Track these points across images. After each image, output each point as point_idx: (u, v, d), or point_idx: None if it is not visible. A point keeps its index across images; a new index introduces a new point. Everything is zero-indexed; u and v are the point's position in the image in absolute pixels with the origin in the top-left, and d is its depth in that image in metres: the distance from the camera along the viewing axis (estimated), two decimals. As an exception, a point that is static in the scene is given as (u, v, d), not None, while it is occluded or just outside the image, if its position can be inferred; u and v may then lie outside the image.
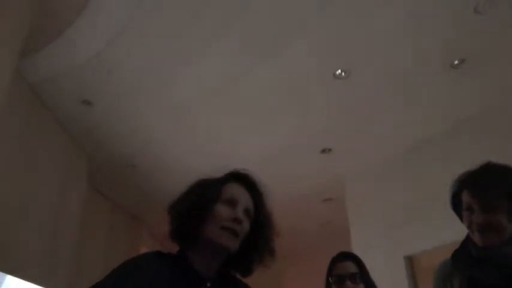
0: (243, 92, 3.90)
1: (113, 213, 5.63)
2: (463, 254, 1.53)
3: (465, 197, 1.51)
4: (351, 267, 2.14)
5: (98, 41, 3.31)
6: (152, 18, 3.16)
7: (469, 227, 1.49)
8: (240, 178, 1.32)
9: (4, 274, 3.01)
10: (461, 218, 1.56)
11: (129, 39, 3.30)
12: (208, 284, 1.18)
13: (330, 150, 4.77)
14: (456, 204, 1.58)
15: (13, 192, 3.32)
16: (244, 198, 1.27)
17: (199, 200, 1.23)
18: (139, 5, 3.01)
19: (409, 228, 4.32)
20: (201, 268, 1.19)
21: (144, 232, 6.31)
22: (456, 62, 3.57)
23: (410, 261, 4.37)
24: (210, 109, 4.10)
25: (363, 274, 2.14)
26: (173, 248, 1.27)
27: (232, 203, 1.23)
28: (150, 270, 1.14)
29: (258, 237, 1.26)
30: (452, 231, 3.76)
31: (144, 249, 5.68)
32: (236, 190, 1.28)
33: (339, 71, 3.64)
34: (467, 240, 1.54)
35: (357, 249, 4.27)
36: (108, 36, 3.26)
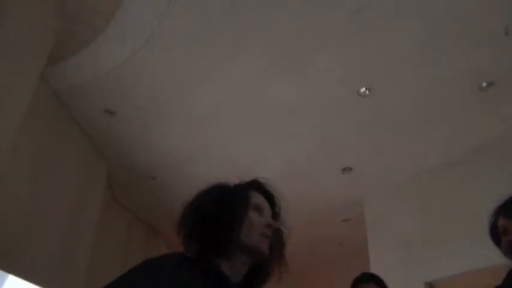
0: (264, 106, 3.87)
1: (130, 224, 5.61)
2: None
3: (501, 222, 1.52)
4: None
5: (124, 50, 3.34)
6: (176, 30, 3.18)
7: (508, 247, 1.48)
8: (260, 188, 1.33)
9: (6, 274, 3.00)
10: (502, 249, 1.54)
11: (153, 49, 3.32)
12: None
13: (350, 169, 4.70)
14: (495, 234, 1.57)
15: (31, 198, 3.33)
16: (266, 206, 1.29)
17: (234, 207, 1.21)
18: (164, 14, 3.03)
19: (430, 253, 4.19)
20: (229, 274, 1.16)
21: (161, 244, 6.28)
22: (484, 85, 3.49)
23: (431, 288, 4.23)
24: (230, 122, 4.09)
25: None
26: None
27: (260, 209, 1.25)
28: (181, 273, 1.07)
29: (273, 247, 1.26)
30: (474, 258, 3.67)
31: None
32: (260, 198, 1.30)
33: (363, 88, 3.59)
34: (507, 278, 1.52)
35: (375, 272, 4.15)
36: (134, 46, 3.29)
